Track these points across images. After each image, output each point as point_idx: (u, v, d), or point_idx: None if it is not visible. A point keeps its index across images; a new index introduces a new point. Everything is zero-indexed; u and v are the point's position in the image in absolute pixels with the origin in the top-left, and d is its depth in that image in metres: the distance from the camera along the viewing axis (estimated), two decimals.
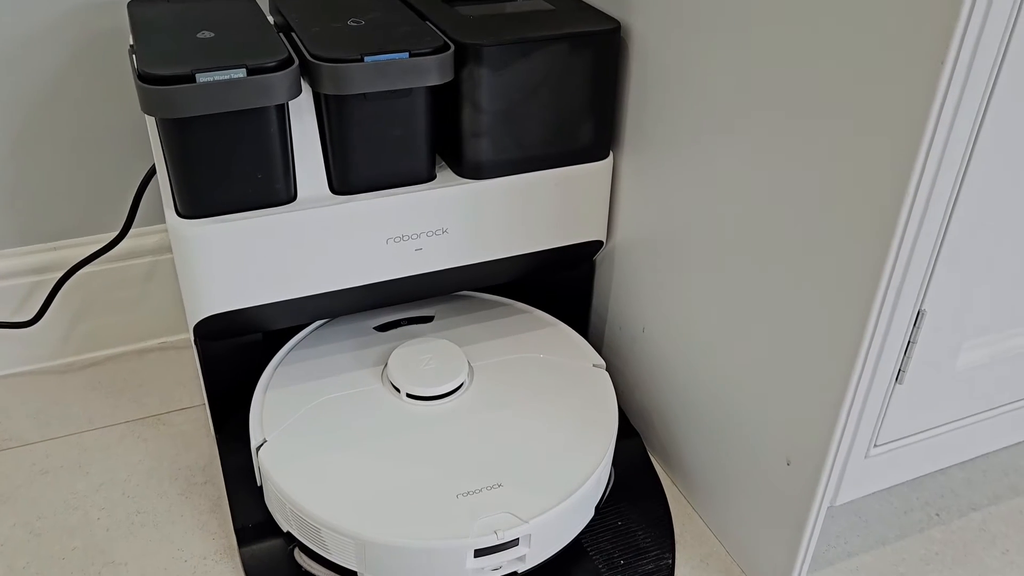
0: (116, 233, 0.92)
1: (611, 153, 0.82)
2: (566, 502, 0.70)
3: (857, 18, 0.52)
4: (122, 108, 0.89)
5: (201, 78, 0.62)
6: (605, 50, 0.75)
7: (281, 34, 0.70)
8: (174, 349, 1.01)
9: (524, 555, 0.70)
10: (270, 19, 0.76)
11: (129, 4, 0.76)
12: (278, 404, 0.78)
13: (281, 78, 0.64)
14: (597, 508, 0.77)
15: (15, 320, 0.93)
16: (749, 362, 0.69)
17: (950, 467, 0.85)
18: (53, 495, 0.82)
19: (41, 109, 0.87)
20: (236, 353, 0.82)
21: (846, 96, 0.54)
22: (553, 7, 0.78)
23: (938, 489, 0.85)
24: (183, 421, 0.91)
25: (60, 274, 0.92)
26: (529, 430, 0.76)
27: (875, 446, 0.66)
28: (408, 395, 0.79)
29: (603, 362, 0.84)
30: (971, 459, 0.78)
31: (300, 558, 0.73)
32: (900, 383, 0.62)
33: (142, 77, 0.62)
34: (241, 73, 0.63)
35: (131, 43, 0.68)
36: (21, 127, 0.87)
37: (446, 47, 0.69)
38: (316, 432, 0.76)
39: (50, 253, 0.93)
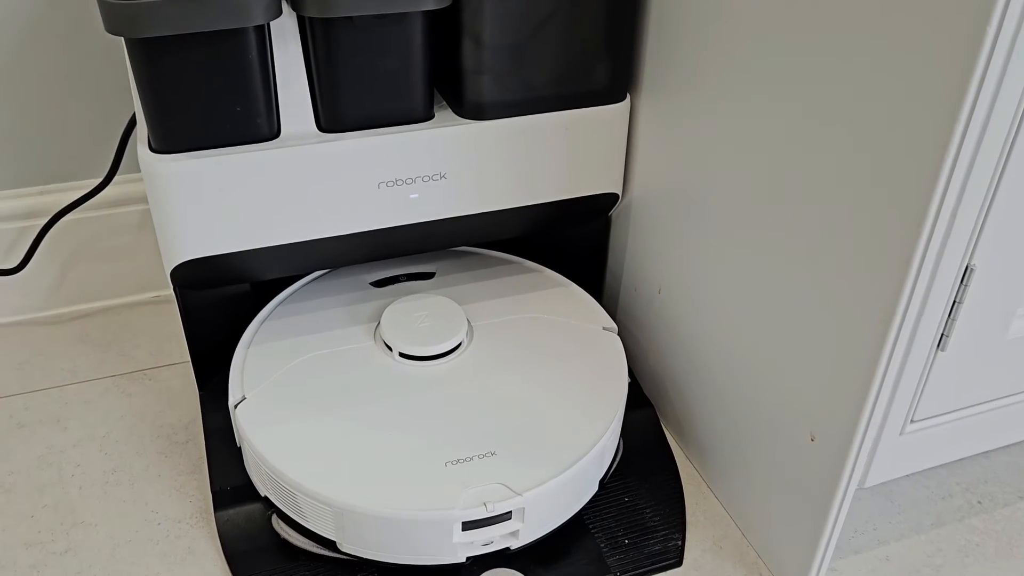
0: (102, 178, 0.87)
1: (628, 95, 0.76)
2: (565, 474, 0.65)
3: None
4: (110, 43, 0.84)
5: None
6: None
7: None
8: (168, 303, 0.97)
9: (517, 530, 0.65)
10: None
11: None
12: (261, 359, 0.73)
13: None
14: (601, 483, 0.72)
15: (1, 267, 0.89)
16: (773, 327, 0.64)
17: (994, 450, 0.79)
18: (27, 450, 0.78)
19: (23, 43, 0.82)
20: (221, 305, 0.77)
21: (895, 23, 0.47)
22: None
23: (980, 473, 0.79)
24: (171, 377, 0.87)
25: (47, 220, 0.87)
26: (530, 396, 0.71)
27: (911, 422, 0.61)
28: (401, 354, 0.73)
29: (615, 325, 0.78)
30: (1018, 441, 0.71)
31: (278, 525, 0.68)
32: (943, 350, 0.57)
33: None
34: None
35: None
36: (2, 63, 0.82)
37: None
38: (299, 390, 0.70)
39: (38, 198, 0.89)
